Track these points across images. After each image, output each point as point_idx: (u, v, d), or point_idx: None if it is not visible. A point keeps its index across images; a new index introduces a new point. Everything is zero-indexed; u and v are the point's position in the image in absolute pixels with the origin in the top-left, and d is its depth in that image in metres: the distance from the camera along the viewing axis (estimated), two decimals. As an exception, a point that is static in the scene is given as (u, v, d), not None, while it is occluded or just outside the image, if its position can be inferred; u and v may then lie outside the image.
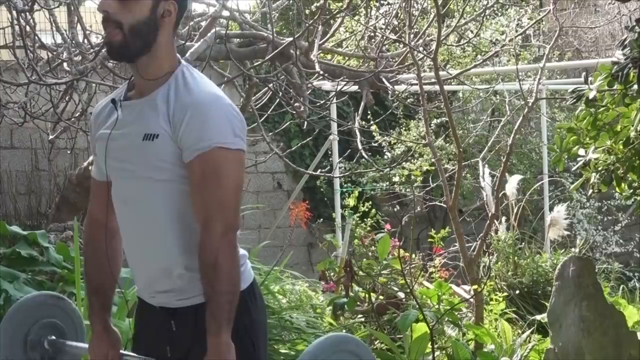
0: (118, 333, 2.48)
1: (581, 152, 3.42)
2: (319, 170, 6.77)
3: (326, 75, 5.28)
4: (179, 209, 2.25)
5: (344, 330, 4.95)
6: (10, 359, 2.55)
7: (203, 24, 5.22)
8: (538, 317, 5.32)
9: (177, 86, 2.25)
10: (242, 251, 2.37)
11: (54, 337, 2.60)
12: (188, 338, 2.30)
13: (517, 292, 6.19)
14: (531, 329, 5.17)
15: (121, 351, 2.46)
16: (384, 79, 5.49)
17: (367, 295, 5.11)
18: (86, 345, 2.52)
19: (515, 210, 6.73)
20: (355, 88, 5.77)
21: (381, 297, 5.35)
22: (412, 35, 5.16)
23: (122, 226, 2.37)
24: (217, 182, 2.18)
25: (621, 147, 3.29)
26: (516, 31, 6.49)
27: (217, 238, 2.16)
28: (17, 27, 4.55)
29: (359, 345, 2.15)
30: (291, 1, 6.12)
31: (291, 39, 4.73)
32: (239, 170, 2.23)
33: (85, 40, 5.02)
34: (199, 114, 2.18)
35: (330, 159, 7.35)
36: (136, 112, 2.28)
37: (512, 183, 6.78)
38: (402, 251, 5.19)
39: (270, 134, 7.09)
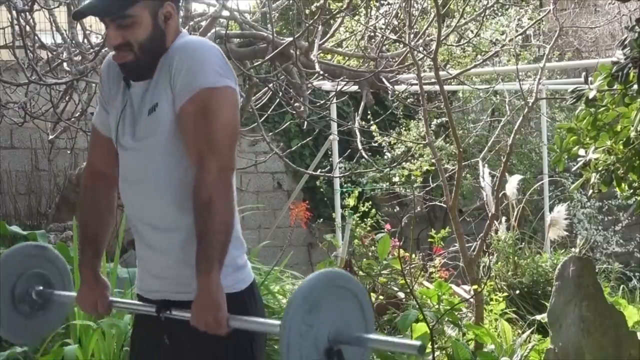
0: (107, 282, 2.48)
1: (581, 152, 3.43)
2: (319, 170, 6.77)
3: (326, 75, 5.28)
4: (185, 185, 2.23)
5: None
6: (3, 321, 2.55)
7: (203, 24, 5.22)
8: (538, 317, 5.32)
9: (172, 47, 2.29)
10: (245, 256, 2.37)
11: (41, 288, 2.59)
12: (185, 332, 2.27)
13: (517, 292, 6.18)
14: (531, 329, 5.17)
15: (110, 298, 2.46)
16: (384, 79, 5.49)
17: (368, 295, 5.10)
18: (74, 294, 2.52)
19: (515, 210, 6.73)
20: (355, 88, 5.77)
21: (381, 297, 5.35)
22: (412, 35, 5.16)
23: (130, 205, 2.37)
24: (207, 121, 2.19)
25: (621, 147, 3.30)
26: (516, 31, 6.49)
27: (212, 177, 2.16)
28: (17, 27, 4.56)
29: (350, 280, 2.14)
30: (291, 1, 6.12)
31: (291, 39, 4.73)
32: (230, 108, 2.25)
33: (85, 40, 5.02)
34: (183, 57, 2.22)
35: (330, 159, 7.35)
36: (141, 94, 2.31)
37: (512, 183, 6.78)
38: (402, 251, 5.19)
39: (270, 134, 7.09)
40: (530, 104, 5.15)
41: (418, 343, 1.93)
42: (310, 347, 1.96)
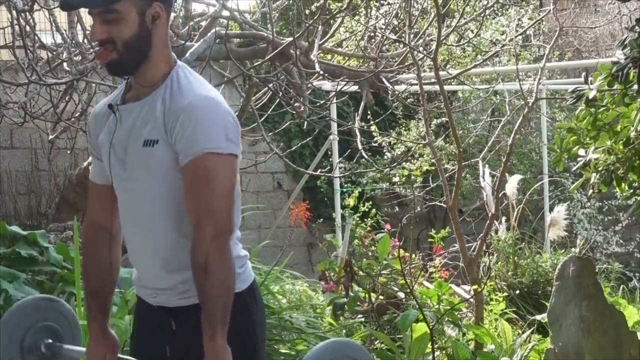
0: (116, 337, 2.48)
1: (581, 152, 3.42)
2: (319, 170, 6.77)
3: (326, 75, 5.28)
4: (181, 210, 2.24)
5: (343, 331, 4.95)
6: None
7: (203, 24, 5.22)
8: (538, 317, 5.31)
9: (172, 89, 2.25)
10: (243, 252, 2.37)
11: (50, 341, 2.59)
12: (189, 337, 2.29)
13: (517, 292, 6.18)
14: (531, 329, 5.17)
15: (119, 355, 2.46)
16: (384, 79, 5.49)
17: (367, 295, 5.11)
18: (83, 349, 2.52)
19: (515, 210, 6.73)
20: (355, 88, 5.77)
21: (381, 297, 5.35)
22: (412, 35, 5.16)
23: (126, 228, 2.37)
24: (207, 187, 2.17)
25: (621, 147, 3.29)
26: (516, 31, 6.49)
27: (207, 241, 2.15)
28: (17, 27, 4.56)
29: (358, 349, 2.15)
30: (291, 1, 6.12)
31: (291, 39, 4.72)
32: (230, 175, 2.22)
33: (85, 40, 5.02)
34: (190, 118, 2.18)
35: (330, 159, 7.35)
36: (134, 116, 2.28)
37: (512, 183, 6.78)
38: (402, 251, 5.19)
39: (270, 134, 7.09)
40: (530, 104, 5.15)
41: None
42: None
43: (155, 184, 2.25)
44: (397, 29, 6.13)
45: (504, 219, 6.70)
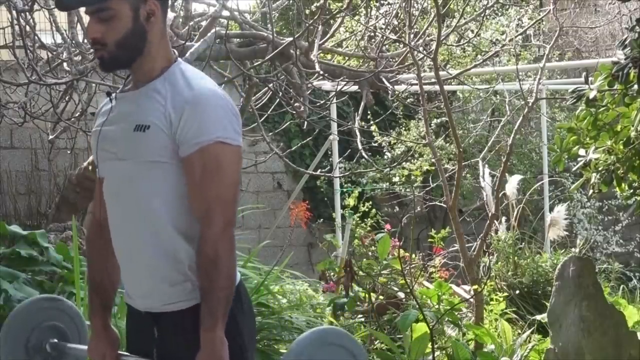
0: (117, 333, 2.48)
1: (581, 152, 3.42)
2: (319, 170, 6.77)
3: (326, 75, 5.28)
4: (166, 205, 2.23)
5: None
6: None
7: (203, 24, 5.22)
8: (538, 317, 5.32)
9: (174, 80, 2.25)
10: None
11: (55, 340, 2.59)
12: (172, 343, 2.28)
13: (517, 292, 6.18)
14: (531, 329, 5.17)
15: (119, 351, 2.45)
16: (384, 79, 5.49)
17: (367, 295, 5.11)
18: (86, 347, 2.52)
19: (515, 210, 6.73)
20: (355, 88, 5.77)
21: (381, 297, 5.35)
22: (412, 35, 5.15)
23: (112, 222, 2.35)
24: (218, 177, 2.18)
25: (621, 147, 3.29)
26: (516, 31, 6.49)
27: (218, 233, 2.15)
28: (17, 27, 4.55)
29: (343, 336, 2.14)
30: (291, 1, 6.12)
31: (291, 39, 4.72)
32: (238, 166, 2.24)
33: (85, 40, 5.02)
34: (199, 108, 2.19)
35: (330, 159, 7.35)
36: (130, 103, 2.29)
37: (512, 183, 6.78)
38: (402, 251, 5.19)
39: (270, 134, 7.09)
40: (530, 104, 5.15)
41: None
42: None
43: (142, 168, 2.23)
44: (397, 29, 6.13)
45: (504, 219, 6.70)
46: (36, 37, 4.82)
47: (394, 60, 5.74)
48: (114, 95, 2.34)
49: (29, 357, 2.56)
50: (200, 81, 2.26)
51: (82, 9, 2.42)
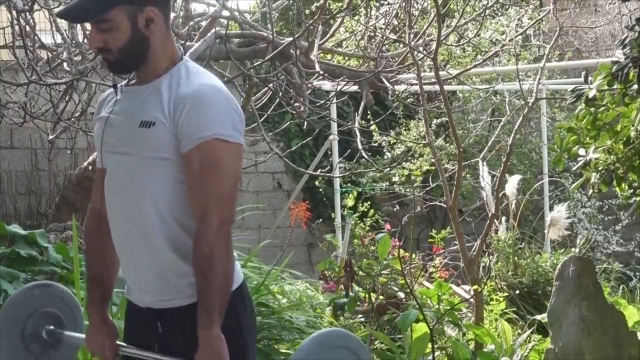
0: (115, 324, 2.48)
1: (581, 152, 3.42)
2: (319, 170, 6.77)
3: (326, 75, 5.28)
4: (169, 201, 2.23)
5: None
6: (8, 353, 2.55)
7: (203, 24, 5.22)
8: (538, 317, 5.31)
9: (178, 77, 2.27)
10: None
11: (52, 327, 2.59)
12: (173, 340, 2.28)
13: (517, 292, 6.18)
14: (531, 329, 5.17)
15: (118, 342, 2.45)
16: (384, 79, 5.49)
17: (367, 295, 5.11)
18: (84, 336, 2.52)
19: (515, 210, 6.73)
20: (355, 88, 5.77)
21: (381, 297, 5.35)
22: (412, 35, 5.15)
23: (113, 217, 2.35)
24: (216, 174, 2.18)
25: (621, 147, 3.29)
26: (516, 31, 6.49)
27: (214, 230, 2.16)
28: (17, 27, 4.56)
29: (349, 338, 2.14)
30: (291, 1, 6.12)
31: (291, 39, 4.72)
32: (237, 164, 2.24)
33: (85, 40, 5.02)
34: (199, 104, 2.20)
35: (330, 159, 7.35)
36: (136, 98, 2.30)
37: (512, 183, 6.78)
38: (402, 251, 5.19)
39: (270, 134, 7.09)
40: (530, 104, 5.15)
41: None
42: None
43: (146, 164, 2.24)
44: (397, 29, 6.13)
45: (504, 219, 6.70)
46: (36, 37, 4.82)
47: (394, 60, 5.74)
48: (119, 87, 2.36)
49: (26, 347, 2.56)
50: (203, 78, 2.28)
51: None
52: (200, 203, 2.19)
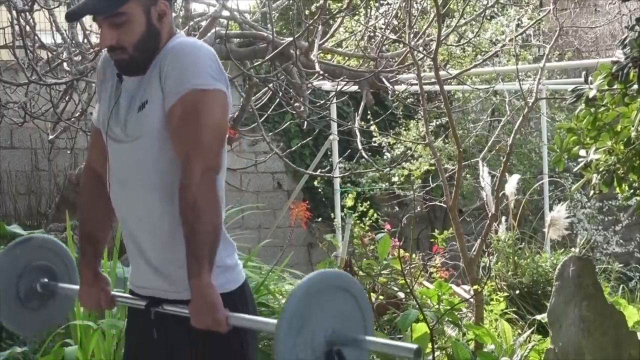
0: (107, 277, 2.48)
1: (582, 152, 3.42)
2: (319, 170, 6.77)
3: (326, 75, 5.27)
4: (171, 179, 2.22)
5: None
6: (7, 314, 2.55)
7: (203, 24, 5.22)
8: (538, 317, 5.31)
9: (169, 47, 2.27)
10: (235, 257, 2.36)
11: (46, 280, 2.58)
12: (173, 332, 2.29)
13: (517, 292, 6.18)
14: (531, 329, 5.17)
15: (112, 292, 2.45)
16: (384, 79, 5.49)
17: (367, 295, 5.11)
18: (78, 287, 2.51)
19: (515, 210, 6.73)
20: (355, 88, 5.77)
21: (381, 297, 5.35)
22: (412, 35, 5.15)
23: (119, 207, 2.36)
24: (195, 121, 2.17)
25: (622, 147, 3.29)
26: (516, 31, 6.49)
27: (197, 178, 2.14)
28: (17, 27, 4.56)
29: (349, 280, 2.12)
30: (291, 1, 6.12)
31: (291, 39, 4.72)
32: (219, 110, 2.22)
33: (85, 40, 5.02)
34: (176, 59, 2.21)
35: (330, 159, 7.35)
36: (135, 87, 2.30)
37: (512, 183, 6.78)
38: (402, 251, 5.19)
39: (270, 134, 7.09)
40: (530, 104, 5.15)
41: (414, 346, 1.91)
42: (306, 349, 1.95)
43: (149, 153, 2.24)
44: (397, 29, 6.13)
45: (504, 219, 6.70)
46: (36, 37, 4.82)
47: (394, 60, 5.74)
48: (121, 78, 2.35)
49: (22, 302, 2.55)
50: (183, 39, 2.29)
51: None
52: (181, 152, 2.18)
